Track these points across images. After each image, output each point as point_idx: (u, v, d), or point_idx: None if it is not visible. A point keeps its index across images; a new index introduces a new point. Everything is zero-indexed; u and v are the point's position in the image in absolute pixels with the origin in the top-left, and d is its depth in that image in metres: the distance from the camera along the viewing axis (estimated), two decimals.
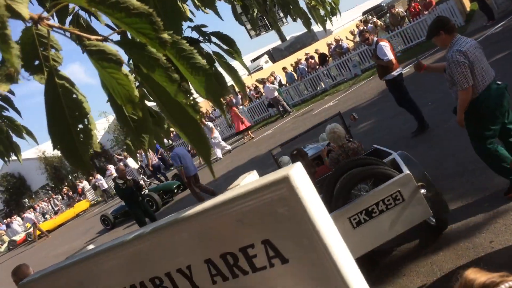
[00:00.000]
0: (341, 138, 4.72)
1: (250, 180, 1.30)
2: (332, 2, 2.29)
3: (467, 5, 19.33)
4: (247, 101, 22.96)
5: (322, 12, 2.21)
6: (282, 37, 35.89)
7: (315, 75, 20.33)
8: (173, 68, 0.79)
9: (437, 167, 5.65)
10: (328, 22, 2.36)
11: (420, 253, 4.08)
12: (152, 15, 0.75)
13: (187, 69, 0.83)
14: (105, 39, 0.79)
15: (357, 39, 21.16)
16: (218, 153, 16.56)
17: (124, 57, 0.82)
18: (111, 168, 23.56)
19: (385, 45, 7.48)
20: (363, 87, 15.65)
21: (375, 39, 7.74)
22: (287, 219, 1.13)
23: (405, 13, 19.70)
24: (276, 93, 19.07)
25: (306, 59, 21.61)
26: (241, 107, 23.09)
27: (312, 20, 2.25)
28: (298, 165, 1.17)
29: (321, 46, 24.58)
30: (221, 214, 1.16)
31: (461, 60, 3.89)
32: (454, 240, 3.97)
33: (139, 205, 10.01)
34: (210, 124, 17.00)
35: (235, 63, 1.66)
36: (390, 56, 7.35)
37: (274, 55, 35.61)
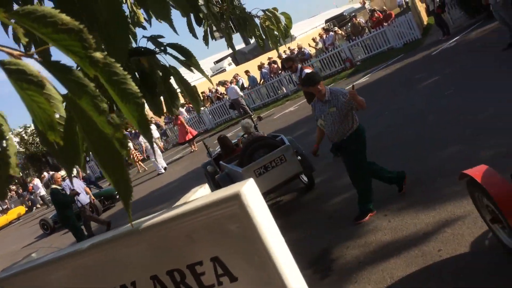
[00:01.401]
0: (250, 128, 7.31)
1: (201, 195, 1.27)
2: (285, 25, 2.31)
3: (425, 19, 20.08)
4: (209, 103, 22.85)
5: (276, 33, 2.23)
6: (246, 40, 35.97)
7: (277, 79, 20.49)
8: (101, 97, 0.73)
9: None
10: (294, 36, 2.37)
11: (371, 260, 4.16)
12: (82, 31, 0.69)
13: (117, 95, 0.78)
14: (30, 55, 0.72)
15: (320, 46, 21.55)
16: (159, 167, 16.09)
17: None
18: (46, 175, 22.91)
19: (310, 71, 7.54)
20: None
21: (299, 66, 7.73)
22: (237, 236, 1.11)
23: (365, 23, 20.21)
24: (238, 95, 19.09)
25: (269, 64, 21.74)
26: (202, 108, 22.94)
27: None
28: (250, 182, 1.15)
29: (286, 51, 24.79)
30: (170, 230, 1.13)
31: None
32: (404, 248, 4.08)
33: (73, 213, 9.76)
34: (156, 134, 16.75)
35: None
36: None
37: (238, 58, 35.63)
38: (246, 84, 22.45)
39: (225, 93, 21.61)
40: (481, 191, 3.13)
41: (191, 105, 24.24)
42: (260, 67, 22.12)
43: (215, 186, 7.50)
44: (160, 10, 1.32)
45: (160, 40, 1.34)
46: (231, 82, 20.77)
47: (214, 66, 38.82)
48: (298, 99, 17.76)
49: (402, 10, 24.62)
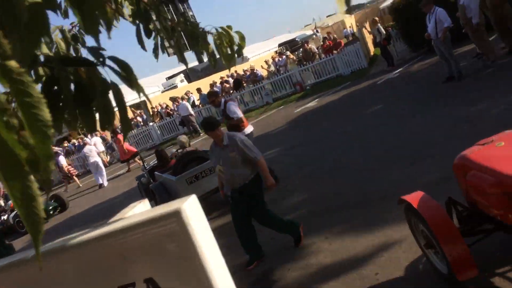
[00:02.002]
0: (186, 143, 8.63)
1: (139, 211, 1.22)
2: (239, 44, 2.31)
3: (371, 49, 21.02)
4: (158, 118, 22.51)
5: (229, 52, 2.22)
6: (199, 58, 35.89)
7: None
8: (12, 111, 0.66)
9: (336, 198, 5.92)
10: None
11: (311, 282, 4.18)
12: None
13: (26, 119, 0.69)
14: None
15: (272, 68, 21.94)
16: (100, 179, 15.66)
17: None
18: None
19: (234, 104, 7.47)
20: (273, 116, 16.13)
21: (223, 100, 7.57)
22: (175, 256, 1.07)
23: (316, 50, 20.85)
24: (189, 112, 18.96)
25: (221, 83, 21.82)
26: (151, 124, 22.58)
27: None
28: (192, 199, 1.12)
29: (238, 71, 25.06)
30: (102, 247, 1.06)
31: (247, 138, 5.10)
32: (343, 271, 4.14)
33: None
34: (92, 148, 16.29)
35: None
36: (240, 114, 7.33)
37: (190, 75, 35.50)
38: (197, 102, 22.35)
39: (175, 109, 21.41)
40: (417, 216, 3.25)
41: (137, 119, 23.77)
42: (212, 85, 22.16)
43: (148, 196, 7.99)
44: (90, 25, 1.26)
45: (102, 52, 1.28)
46: (182, 99, 20.60)
47: (166, 82, 38.40)
48: (247, 119, 17.85)
49: (348, 41, 25.56)
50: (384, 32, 16.07)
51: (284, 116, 14.63)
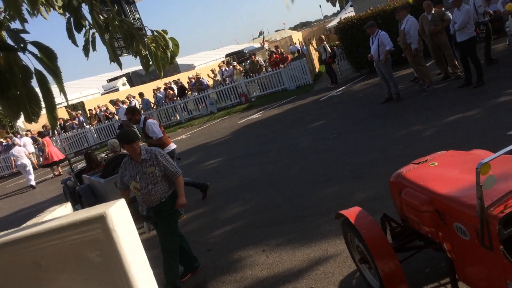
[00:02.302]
0: (118, 147, 7.75)
1: (60, 215, 1.10)
2: (172, 51, 2.24)
3: (317, 66, 21.61)
4: (96, 121, 21.70)
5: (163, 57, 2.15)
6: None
7: (172, 106, 20.25)
8: None
9: (274, 211, 5.92)
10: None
11: None
12: None
13: None
14: None
15: (218, 77, 21.90)
16: (30, 180, 15.02)
17: None
18: None
19: (154, 123, 7.10)
20: (216, 125, 16.04)
21: (143, 117, 7.18)
22: (97, 265, 0.96)
23: (263, 62, 21.10)
24: None
25: (165, 89, 21.45)
26: (87, 126, 21.73)
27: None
28: (121, 203, 1.03)
29: (182, 78, 24.80)
30: (13, 254, 0.94)
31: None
32: (278, 284, 4.11)
33: None
34: (21, 149, 15.53)
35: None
36: (160, 133, 7.03)
37: (133, 79, 34.67)
38: (139, 107, 21.79)
39: (115, 112, 20.75)
40: (353, 231, 3.30)
41: (75, 122, 22.77)
42: (156, 90, 21.73)
43: (73, 200, 7.77)
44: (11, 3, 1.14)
45: (24, 36, 1.15)
46: (123, 103, 20.00)
47: (106, 84, 37.15)
48: (190, 127, 17.67)
49: (295, 57, 26.10)
50: (330, 50, 16.56)
51: (228, 127, 14.60)
